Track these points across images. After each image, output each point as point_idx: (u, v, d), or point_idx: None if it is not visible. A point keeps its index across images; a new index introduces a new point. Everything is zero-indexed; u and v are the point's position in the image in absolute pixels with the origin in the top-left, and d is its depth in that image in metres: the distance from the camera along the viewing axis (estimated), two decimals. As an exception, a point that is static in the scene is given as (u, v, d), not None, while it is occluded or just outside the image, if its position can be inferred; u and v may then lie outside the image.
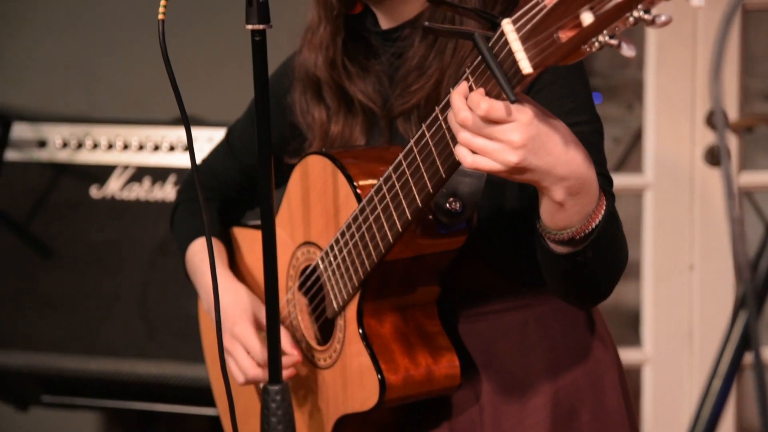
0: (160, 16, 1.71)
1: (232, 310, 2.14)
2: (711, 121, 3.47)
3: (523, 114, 1.57)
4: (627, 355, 3.54)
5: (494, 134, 1.58)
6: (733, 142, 3.49)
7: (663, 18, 1.33)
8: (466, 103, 1.60)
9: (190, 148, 1.77)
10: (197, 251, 2.28)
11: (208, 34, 3.63)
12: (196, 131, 3.37)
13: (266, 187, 1.85)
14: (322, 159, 2.03)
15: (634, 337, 3.73)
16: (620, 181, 3.67)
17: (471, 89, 1.60)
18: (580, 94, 1.93)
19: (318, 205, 2.06)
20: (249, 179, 2.32)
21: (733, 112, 3.48)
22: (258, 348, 2.09)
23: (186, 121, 1.77)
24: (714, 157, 3.48)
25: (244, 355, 2.10)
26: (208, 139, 3.34)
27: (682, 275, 3.55)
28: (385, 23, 2.06)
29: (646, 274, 3.59)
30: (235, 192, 2.35)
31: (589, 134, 1.87)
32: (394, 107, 2.02)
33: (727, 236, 3.50)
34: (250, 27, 1.78)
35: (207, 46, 3.65)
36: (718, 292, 3.52)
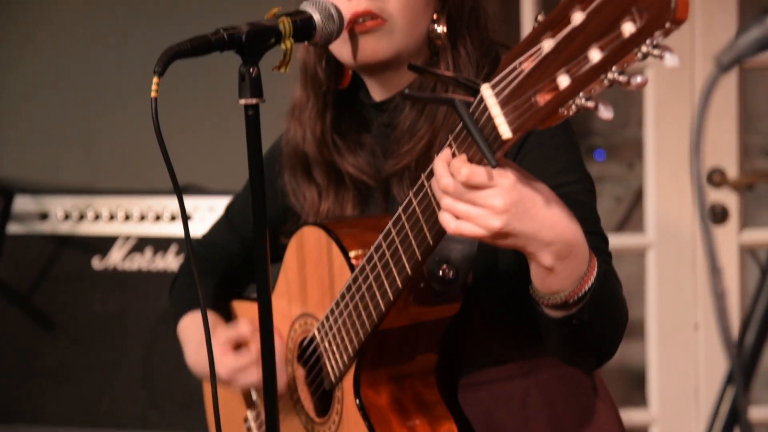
0: (153, 94, 1.71)
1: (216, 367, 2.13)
2: (712, 178, 3.47)
3: (505, 179, 1.56)
4: (633, 416, 3.52)
5: (476, 200, 1.57)
6: (733, 199, 3.48)
7: (639, 79, 1.34)
8: (448, 169, 1.60)
9: (184, 222, 1.77)
10: (186, 326, 2.30)
11: (211, 102, 3.65)
12: (197, 200, 3.38)
13: (262, 258, 1.85)
14: (317, 230, 2.03)
15: (639, 398, 3.70)
16: (622, 240, 3.68)
17: (454, 155, 1.60)
18: (568, 153, 1.92)
19: (314, 276, 2.05)
20: (249, 253, 2.31)
21: (733, 170, 3.47)
22: (245, 360, 2.10)
23: (180, 197, 1.77)
24: (716, 215, 3.48)
25: (248, 377, 2.11)
26: (209, 208, 3.35)
27: (686, 335, 3.53)
28: (378, 95, 2.06)
29: (650, 334, 3.57)
30: (236, 266, 2.35)
31: (579, 193, 1.86)
32: (386, 171, 2.03)
33: (732, 295, 3.49)
34: (243, 102, 1.79)
35: (209, 115, 3.67)
36: (723, 351, 3.49)
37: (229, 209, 2.37)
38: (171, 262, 3.40)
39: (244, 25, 1.81)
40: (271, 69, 1.86)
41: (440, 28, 1.99)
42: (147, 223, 3.44)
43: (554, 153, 1.90)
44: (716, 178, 3.47)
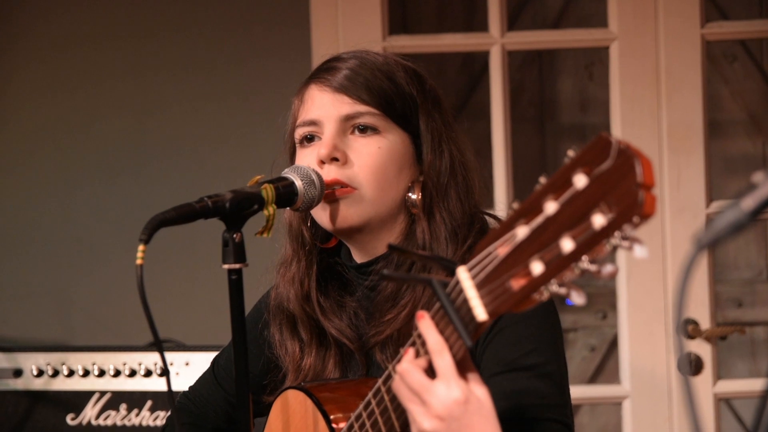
0: (138, 261, 1.71)
1: None
2: (686, 330, 3.49)
3: (457, 390, 1.60)
4: None
5: (422, 394, 1.62)
6: (707, 350, 3.50)
7: (609, 269, 1.36)
8: (412, 356, 1.65)
9: (169, 395, 1.77)
10: None
11: (187, 257, 3.66)
12: (173, 355, 3.38)
13: (245, 424, 1.85)
14: (300, 393, 2.03)
15: None
16: (598, 391, 3.69)
17: (418, 353, 1.65)
18: (542, 335, 1.93)
19: (298, 439, 2.06)
20: (234, 410, 2.31)
21: (705, 321, 3.50)
22: None
23: (167, 371, 1.77)
24: (691, 366, 3.49)
25: None
26: (184, 363, 3.34)
27: (664, 485, 3.51)
28: (359, 257, 2.09)
29: (628, 485, 3.56)
30: (221, 422, 2.34)
31: (546, 376, 1.88)
32: (369, 339, 2.04)
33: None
34: (226, 266, 1.80)
35: (185, 270, 3.68)
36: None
37: (215, 364, 2.36)
38: (145, 417, 3.37)
39: (227, 193, 1.83)
40: (254, 234, 1.88)
41: (415, 196, 2.02)
42: (122, 379, 3.42)
43: (528, 333, 1.91)
44: (690, 330, 3.49)
